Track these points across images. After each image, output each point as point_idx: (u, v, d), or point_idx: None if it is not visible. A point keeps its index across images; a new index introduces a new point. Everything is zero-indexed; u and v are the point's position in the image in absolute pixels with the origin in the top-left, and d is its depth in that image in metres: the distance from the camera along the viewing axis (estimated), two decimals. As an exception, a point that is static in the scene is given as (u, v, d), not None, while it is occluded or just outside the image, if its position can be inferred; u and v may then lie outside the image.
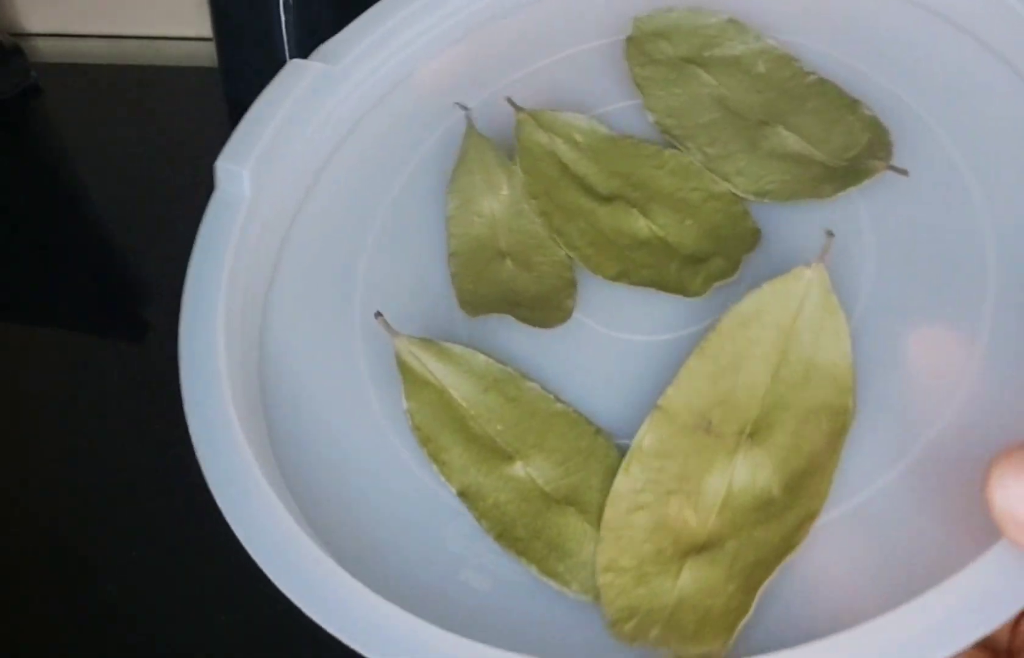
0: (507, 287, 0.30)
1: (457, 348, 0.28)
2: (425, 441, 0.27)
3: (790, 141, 0.29)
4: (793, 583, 0.23)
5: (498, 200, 0.32)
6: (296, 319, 0.32)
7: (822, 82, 0.31)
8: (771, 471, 0.24)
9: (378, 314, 0.29)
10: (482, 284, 0.30)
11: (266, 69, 0.65)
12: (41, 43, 0.76)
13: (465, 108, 0.34)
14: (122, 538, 0.41)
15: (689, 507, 0.24)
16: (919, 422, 0.24)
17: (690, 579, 0.23)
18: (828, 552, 0.23)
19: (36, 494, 0.44)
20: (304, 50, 0.52)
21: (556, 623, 0.24)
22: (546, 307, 0.29)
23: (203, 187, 0.63)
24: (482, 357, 0.28)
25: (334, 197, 0.35)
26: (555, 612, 0.24)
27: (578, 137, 0.32)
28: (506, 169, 0.32)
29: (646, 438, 0.25)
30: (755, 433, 0.24)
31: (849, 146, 0.29)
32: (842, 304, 0.25)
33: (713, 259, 0.28)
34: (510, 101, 0.33)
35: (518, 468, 0.26)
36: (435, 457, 0.27)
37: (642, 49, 0.33)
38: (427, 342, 0.28)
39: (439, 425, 0.27)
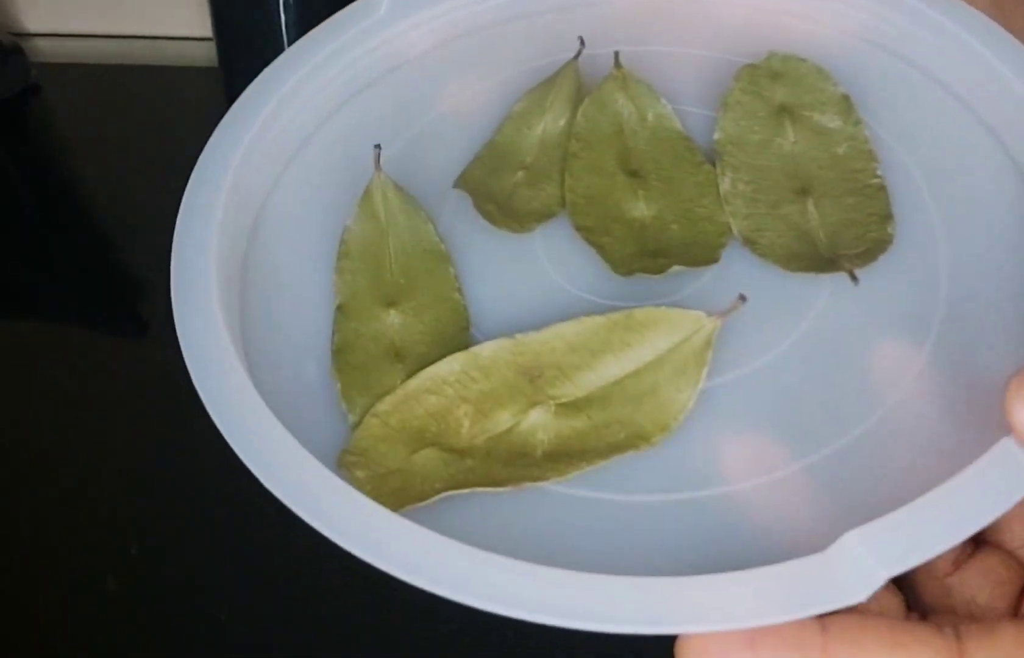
0: (503, 192, 0.32)
1: (419, 210, 0.31)
2: (343, 255, 0.30)
3: (809, 216, 0.30)
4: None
5: (553, 126, 0.33)
6: (329, 157, 0.34)
7: (880, 188, 0.31)
8: (548, 439, 0.25)
9: (377, 146, 0.31)
10: (489, 180, 0.32)
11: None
12: (41, 43, 0.76)
13: (582, 43, 0.35)
14: (121, 535, 0.41)
15: (469, 420, 0.26)
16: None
17: (419, 463, 0.25)
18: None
19: (35, 492, 0.44)
20: (304, 50, 0.52)
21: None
22: (511, 216, 0.31)
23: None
24: (431, 228, 0.31)
25: (427, 71, 0.36)
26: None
27: (649, 115, 0.33)
28: (576, 108, 0.33)
29: (484, 351, 0.27)
30: (564, 407, 0.26)
31: (849, 245, 0.29)
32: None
33: (660, 259, 0.29)
34: (616, 57, 0.34)
35: (391, 315, 0.29)
36: (340, 269, 0.30)
37: (756, 80, 0.34)
38: (400, 188, 0.31)
39: (361, 250, 0.30)
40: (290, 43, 0.64)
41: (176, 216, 0.59)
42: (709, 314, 0.26)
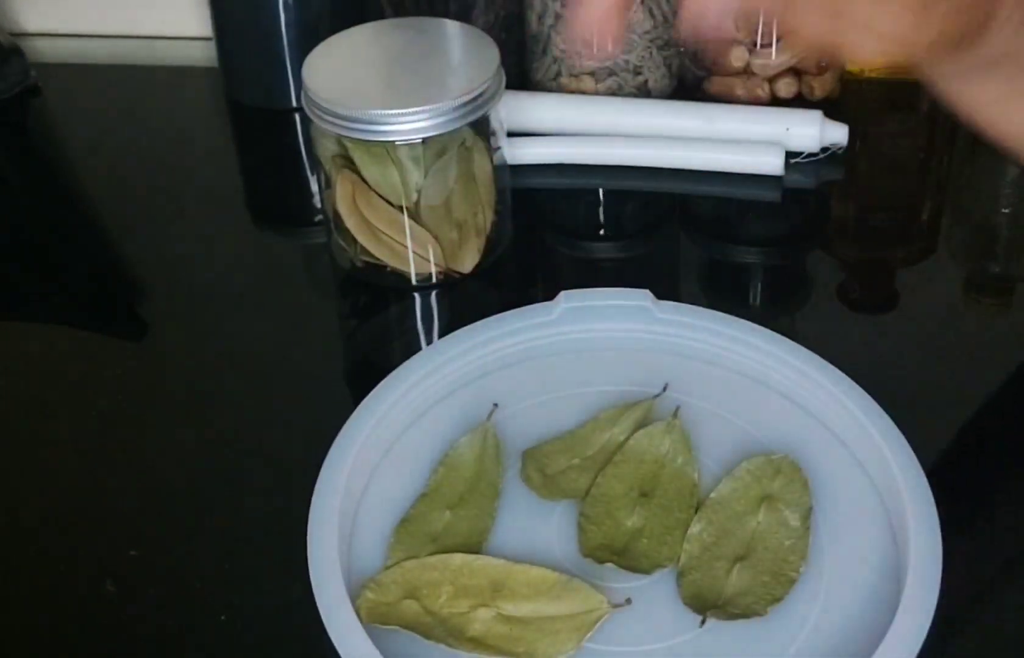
0: (555, 468, 0.42)
1: (501, 458, 0.42)
2: (442, 462, 0.42)
3: (729, 577, 0.37)
4: None
5: (617, 438, 0.42)
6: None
7: (791, 581, 0.37)
8: (479, 630, 0.36)
9: (495, 404, 0.44)
10: (555, 455, 0.42)
11: (266, 69, 0.66)
12: (41, 43, 0.76)
13: (664, 388, 0.44)
14: (120, 537, 0.41)
15: (446, 597, 0.37)
16: None
17: (403, 606, 0.37)
18: None
19: (34, 493, 0.44)
20: (304, 50, 0.52)
21: None
22: (548, 486, 0.41)
23: (202, 187, 0.63)
24: (500, 474, 0.42)
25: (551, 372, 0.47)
26: None
27: (679, 460, 0.41)
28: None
29: (478, 561, 0.38)
30: (502, 617, 0.37)
31: (734, 607, 0.36)
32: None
33: (615, 557, 0.39)
34: (676, 411, 0.42)
35: (447, 514, 0.40)
36: (435, 469, 0.42)
37: (763, 468, 0.41)
38: (498, 439, 0.43)
39: (454, 463, 0.42)
40: (290, 43, 0.64)
41: (176, 216, 0.59)
42: (610, 603, 0.36)
